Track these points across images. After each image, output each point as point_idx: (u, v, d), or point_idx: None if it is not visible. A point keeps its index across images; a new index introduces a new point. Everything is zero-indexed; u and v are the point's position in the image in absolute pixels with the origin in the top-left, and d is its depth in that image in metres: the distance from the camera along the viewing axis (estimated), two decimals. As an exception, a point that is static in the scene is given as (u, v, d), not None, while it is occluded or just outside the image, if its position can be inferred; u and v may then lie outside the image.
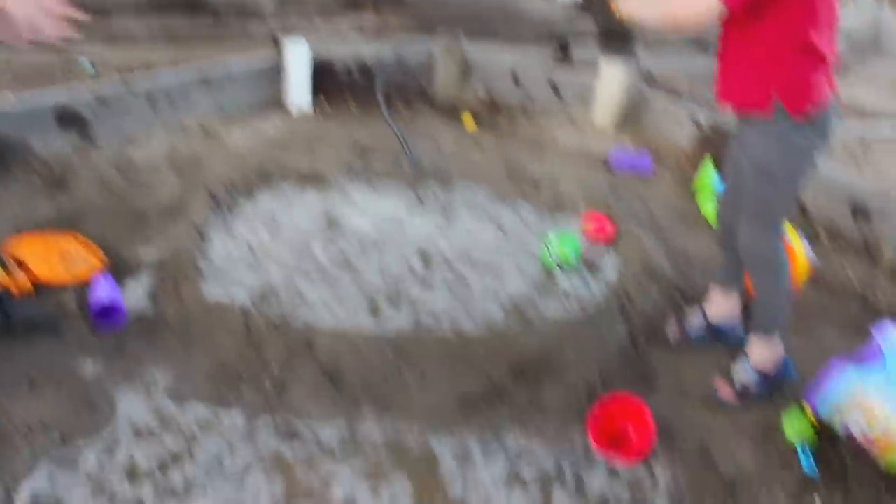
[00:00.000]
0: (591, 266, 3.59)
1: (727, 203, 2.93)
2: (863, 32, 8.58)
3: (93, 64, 5.32)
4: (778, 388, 2.84)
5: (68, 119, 4.33)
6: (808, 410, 2.59)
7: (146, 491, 2.25)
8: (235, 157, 4.45)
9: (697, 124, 4.92)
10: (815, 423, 2.57)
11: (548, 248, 3.57)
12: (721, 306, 3.11)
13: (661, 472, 2.47)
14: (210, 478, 2.31)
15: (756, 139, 2.56)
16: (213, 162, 4.36)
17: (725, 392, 2.85)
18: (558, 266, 3.53)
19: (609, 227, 3.84)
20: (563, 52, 6.29)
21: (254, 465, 2.37)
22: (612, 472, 2.46)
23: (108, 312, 2.97)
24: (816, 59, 2.41)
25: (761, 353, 2.83)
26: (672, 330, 3.16)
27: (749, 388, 2.82)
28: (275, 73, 5.23)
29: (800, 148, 2.51)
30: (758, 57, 2.44)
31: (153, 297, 3.15)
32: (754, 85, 2.48)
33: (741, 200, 2.72)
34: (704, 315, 3.14)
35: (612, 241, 3.79)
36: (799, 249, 3.33)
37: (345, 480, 2.34)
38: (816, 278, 3.59)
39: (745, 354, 2.87)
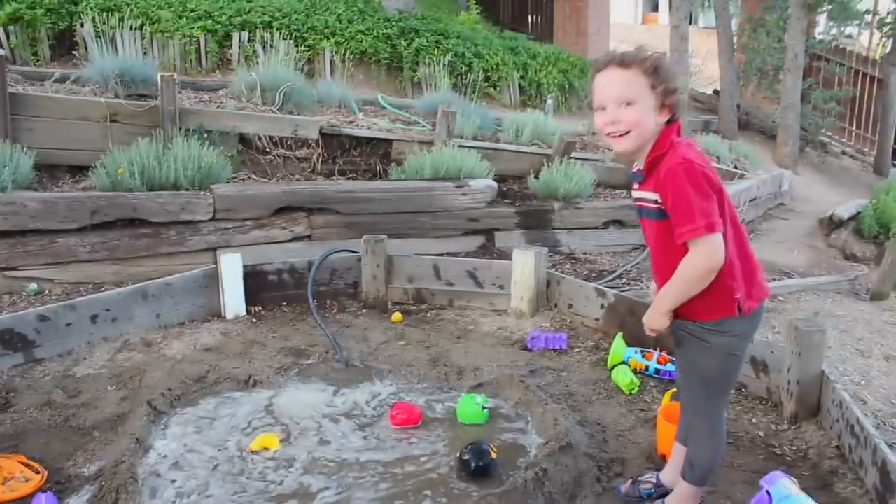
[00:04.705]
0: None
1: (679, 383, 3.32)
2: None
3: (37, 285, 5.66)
4: None
5: (12, 341, 4.58)
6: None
7: None
8: (174, 366, 4.70)
9: (605, 300, 5.36)
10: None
11: (466, 404, 4.00)
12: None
13: None
14: None
15: (702, 339, 2.89)
16: (152, 372, 4.59)
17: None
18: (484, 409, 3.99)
19: (414, 415, 4.02)
20: (486, 242, 6.84)
21: None
22: None
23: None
24: (751, 259, 2.89)
25: (682, 498, 3.12)
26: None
27: None
28: (211, 283, 5.57)
29: (743, 336, 2.90)
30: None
31: (92, 511, 3.25)
32: (717, 297, 2.78)
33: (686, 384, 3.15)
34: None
35: (414, 424, 3.98)
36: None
37: None
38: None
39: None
